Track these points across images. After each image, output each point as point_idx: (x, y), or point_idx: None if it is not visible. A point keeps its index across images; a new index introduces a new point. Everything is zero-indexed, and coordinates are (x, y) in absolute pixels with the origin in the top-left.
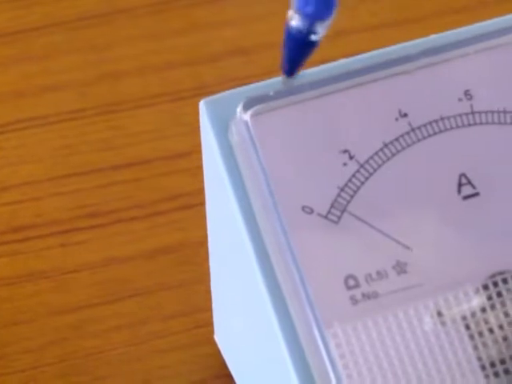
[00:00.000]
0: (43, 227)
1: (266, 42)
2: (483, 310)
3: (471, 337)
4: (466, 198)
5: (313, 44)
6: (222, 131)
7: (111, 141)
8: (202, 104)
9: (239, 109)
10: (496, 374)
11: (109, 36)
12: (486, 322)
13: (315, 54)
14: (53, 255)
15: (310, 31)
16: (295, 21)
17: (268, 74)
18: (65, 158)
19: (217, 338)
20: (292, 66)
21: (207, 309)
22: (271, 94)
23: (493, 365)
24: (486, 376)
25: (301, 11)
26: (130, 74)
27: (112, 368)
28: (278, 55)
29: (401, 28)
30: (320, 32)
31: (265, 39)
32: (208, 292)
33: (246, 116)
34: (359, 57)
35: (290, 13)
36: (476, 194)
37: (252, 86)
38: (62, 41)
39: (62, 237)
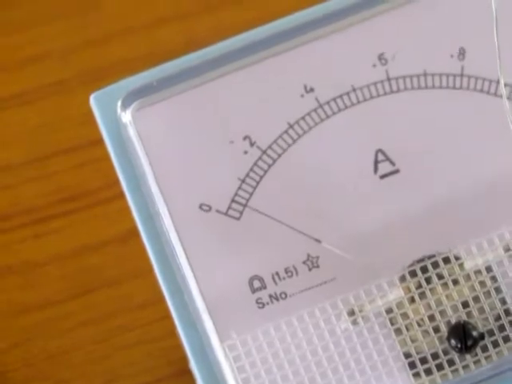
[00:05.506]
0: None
1: None
2: (402, 303)
3: (387, 335)
4: (383, 176)
5: None
6: (114, 128)
7: None
8: (92, 98)
9: (119, 104)
10: (417, 375)
11: None
12: (406, 316)
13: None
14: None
15: None
16: None
17: None
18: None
19: None
20: None
21: None
22: (155, 84)
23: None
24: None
25: None
26: None
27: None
28: None
29: None
30: None
31: None
32: None
33: (128, 113)
34: (253, 31)
35: None
36: (395, 172)
37: (137, 76)
38: None
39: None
